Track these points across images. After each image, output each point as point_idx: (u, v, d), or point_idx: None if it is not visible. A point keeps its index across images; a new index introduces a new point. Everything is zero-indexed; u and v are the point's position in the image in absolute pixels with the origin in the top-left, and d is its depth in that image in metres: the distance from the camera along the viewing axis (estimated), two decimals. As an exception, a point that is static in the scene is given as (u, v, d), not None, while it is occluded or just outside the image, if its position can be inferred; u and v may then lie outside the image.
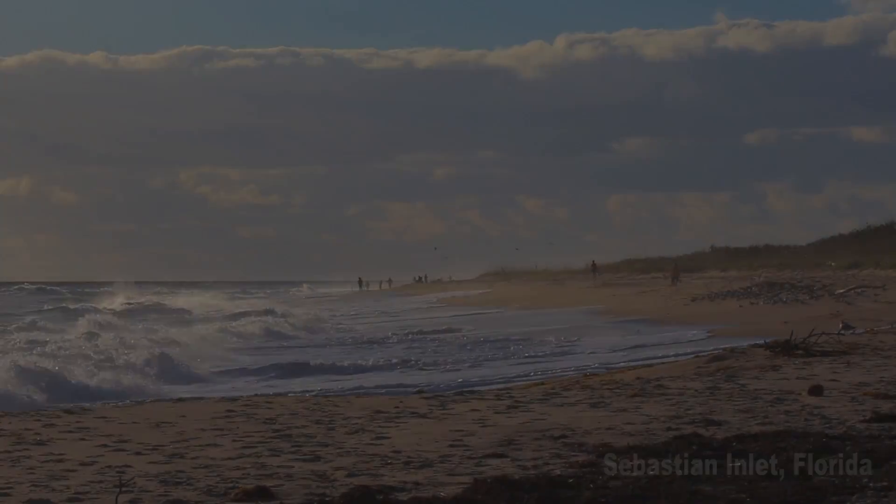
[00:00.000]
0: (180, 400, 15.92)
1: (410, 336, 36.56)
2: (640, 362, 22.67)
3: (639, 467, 9.15)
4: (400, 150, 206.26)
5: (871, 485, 8.29)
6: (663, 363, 20.47)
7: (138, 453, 10.43)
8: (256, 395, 17.00)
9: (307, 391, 19.11)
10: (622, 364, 22.59)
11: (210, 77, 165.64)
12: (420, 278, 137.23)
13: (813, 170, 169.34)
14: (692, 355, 22.53)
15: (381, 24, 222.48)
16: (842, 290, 45.60)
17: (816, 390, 13.88)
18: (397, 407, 13.71)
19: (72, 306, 64.33)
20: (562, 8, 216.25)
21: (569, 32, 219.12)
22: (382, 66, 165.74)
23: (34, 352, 25.33)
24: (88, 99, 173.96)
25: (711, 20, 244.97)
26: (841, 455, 9.33)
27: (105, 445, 10.93)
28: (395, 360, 26.47)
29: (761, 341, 20.53)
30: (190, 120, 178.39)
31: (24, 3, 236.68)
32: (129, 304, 67.79)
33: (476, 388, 17.70)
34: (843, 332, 23.28)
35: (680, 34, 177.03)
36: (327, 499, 8.26)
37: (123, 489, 8.48)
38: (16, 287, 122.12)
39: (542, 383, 17.88)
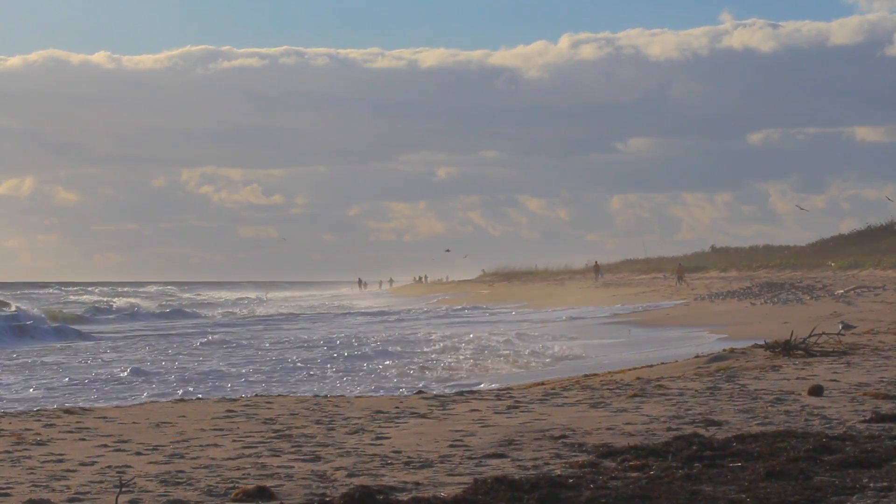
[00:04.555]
0: (180, 400, 15.92)
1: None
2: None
3: (639, 467, 9.16)
4: (403, 150, 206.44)
5: (871, 485, 8.30)
6: (663, 363, 20.45)
7: (138, 453, 10.43)
8: (256, 394, 17.00)
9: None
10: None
11: (214, 77, 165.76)
12: (420, 278, 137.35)
13: (816, 170, 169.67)
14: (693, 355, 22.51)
15: (385, 24, 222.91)
16: (842, 291, 45.62)
17: (816, 390, 13.88)
18: (397, 407, 13.71)
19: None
20: (566, 8, 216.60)
21: (573, 32, 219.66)
22: (387, 65, 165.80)
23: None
24: (92, 99, 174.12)
25: (717, 20, 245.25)
26: (841, 455, 9.34)
27: (105, 445, 10.93)
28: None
29: (761, 341, 20.52)
30: (193, 120, 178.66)
31: (28, 3, 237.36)
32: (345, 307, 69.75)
33: (476, 389, 17.70)
34: (843, 332, 23.26)
35: (685, 34, 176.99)
36: (327, 499, 8.26)
37: (123, 489, 8.49)
38: (144, 288, 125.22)
39: (543, 383, 17.87)
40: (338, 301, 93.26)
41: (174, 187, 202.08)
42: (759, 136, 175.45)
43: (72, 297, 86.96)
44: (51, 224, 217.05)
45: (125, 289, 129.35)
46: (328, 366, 25.81)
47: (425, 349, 30.40)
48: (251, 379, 23.41)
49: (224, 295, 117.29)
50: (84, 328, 46.51)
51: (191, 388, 21.22)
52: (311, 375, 23.83)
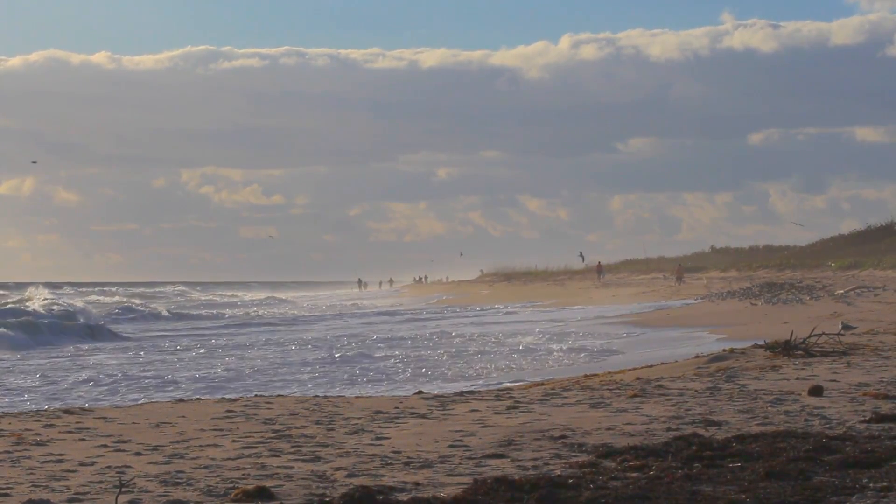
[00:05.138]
0: (180, 400, 15.91)
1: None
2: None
3: (639, 467, 9.16)
4: (403, 150, 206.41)
5: (871, 485, 8.30)
6: (663, 363, 20.46)
7: (138, 453, 10.43)
8: (256, 395, 16.99)
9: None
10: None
11: (214, 77, 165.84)
12: (420, 278, 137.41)
13: (816, 170, 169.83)
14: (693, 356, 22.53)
15: (385, 24, 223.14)
16: (842, 291, 45.61)
17: (816, 390, 13.88)
18: (397, 407, 13.71)
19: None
20: (566, 8, 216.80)
21: (573, 32, 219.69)
22: (387, 65, 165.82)
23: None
24: (92, 99, 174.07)
25: (717, 20, 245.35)
26: (841, 455, 9.34)
27: (105, 445, 10.93)
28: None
29: (761, 341, 20.51)
30: (193, 120, 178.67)
31: (29, 4, 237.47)
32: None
33: (476, 389, 17.69)
34: (843, 332, 23.25)
35: (685, 34, 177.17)
36: (327, 499, 8.26)
37: (123, 489, 8.49)
38: (154, 289, 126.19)
39: (543, 383, 17.87)
40: (350, 301, 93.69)
41: (174, 187, 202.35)
42: (760, 136, 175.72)
43: (92, 298, 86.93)
44: (51, 224, 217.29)
45: (139, 289, 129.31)
46: (393, 366, 25.81)
47: (465, 349, 30.24)
48: (309, 377, 23.65)
49: (239, 295, 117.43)
50: (114, 328, 46.49)
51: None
52: (380, 376, 23.74)
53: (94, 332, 42.12)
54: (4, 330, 37.40)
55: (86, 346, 36.21)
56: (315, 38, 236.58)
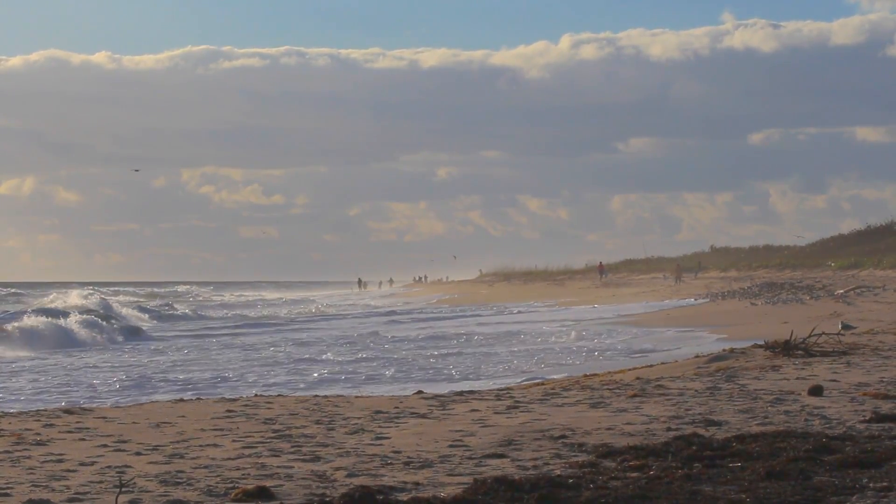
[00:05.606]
0: (180, 400, 15.90)
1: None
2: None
3: (639, 467, 9.16)
4: (403, 150, 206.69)
5: (871, 485, 8.30)
6: (663, 363, 20.46)
7: (138, 453, 10.43)
8: (256, 394, 16.98)
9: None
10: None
11: (214, 77, 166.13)
12: (419, 278, 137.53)
13: (817, 170, 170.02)
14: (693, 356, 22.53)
15: (386, 24, 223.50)
16: (842, 291, 45.58)
17: (816, 390, 13.88)
18: (397, 407, 13.71)
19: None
20: (567, 8, 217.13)
21: (574, 32, 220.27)
22: (387, 65, 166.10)
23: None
24: (92, 99, 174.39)
25: (718, 20, 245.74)
26: (841, 455, 9.34)
27: (105, 445, 10.93)
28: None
29: (761, 341, 20.51)
30: (193, 120, 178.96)
31: (29, 4, 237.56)
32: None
33: (476, 389, 17.69)
34: (843, 332, 23.25)
35: (686, 34, 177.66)
36: (327, 499, 8.26)
37: (123, 489, 8.49)
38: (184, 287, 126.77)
39: (543, 383, 17.87)
40: (350, 301, 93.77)
41: (175, 187, 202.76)
42: (760, 136, 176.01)
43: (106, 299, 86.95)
44: (51, 224, 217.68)
45: (146, 289, 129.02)
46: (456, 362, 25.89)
47: (466, 349, 30.10)
48: (308, 375, 23.70)
49: (247, 294, 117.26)
50: (145, 329, 46.56)
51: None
52: (380, 375, 23.65)
53: (129, 332, 42.39)
54: (42, 329, 37.64)
55: (126, 347, 36.33)
56: (315, 38, 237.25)
